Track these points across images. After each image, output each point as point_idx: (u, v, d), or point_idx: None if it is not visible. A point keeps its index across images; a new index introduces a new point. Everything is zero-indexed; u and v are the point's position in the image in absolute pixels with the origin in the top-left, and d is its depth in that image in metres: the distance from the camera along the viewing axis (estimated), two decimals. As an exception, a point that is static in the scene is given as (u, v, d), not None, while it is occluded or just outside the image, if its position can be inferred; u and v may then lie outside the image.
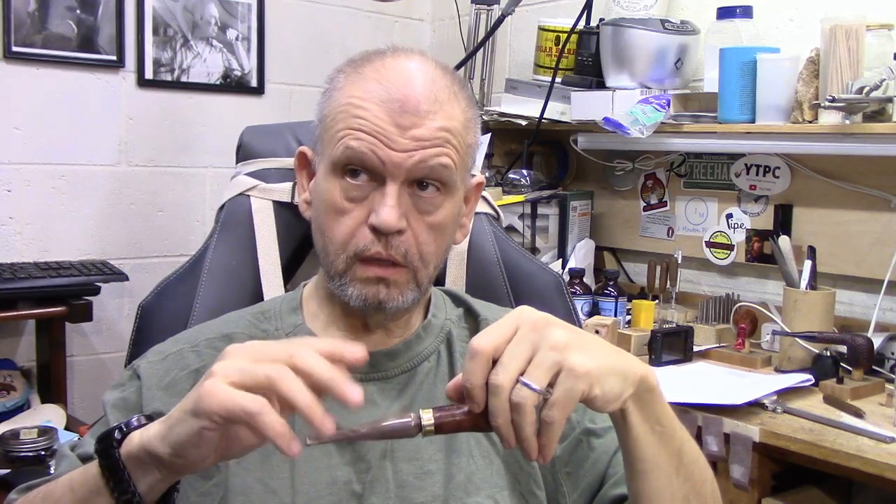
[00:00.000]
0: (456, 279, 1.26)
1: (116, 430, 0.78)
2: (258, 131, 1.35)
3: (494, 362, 0.73)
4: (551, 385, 0.72)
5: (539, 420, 0.73)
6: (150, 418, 0.78)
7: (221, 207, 1.29)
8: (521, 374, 0.72)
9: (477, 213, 1.29)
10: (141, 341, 1.17)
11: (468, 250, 1.27)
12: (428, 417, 0.75)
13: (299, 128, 1.33)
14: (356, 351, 0.73)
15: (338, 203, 0.93)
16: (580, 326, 1.30)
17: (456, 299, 1.09)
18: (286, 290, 1.22)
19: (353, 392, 0.69)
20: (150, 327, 1.20)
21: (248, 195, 1.28)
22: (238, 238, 1.26)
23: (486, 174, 2.45)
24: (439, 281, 1.25)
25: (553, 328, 0.74)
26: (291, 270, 1.29)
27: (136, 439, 0.76)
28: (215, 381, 0.70)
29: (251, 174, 1.29)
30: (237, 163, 1.33)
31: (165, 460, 0.73)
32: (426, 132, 0.91)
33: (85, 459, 0.93)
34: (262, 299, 1.20)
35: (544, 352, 0.73)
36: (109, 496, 0.76)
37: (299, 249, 1.29)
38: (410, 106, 0.91)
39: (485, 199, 1.31)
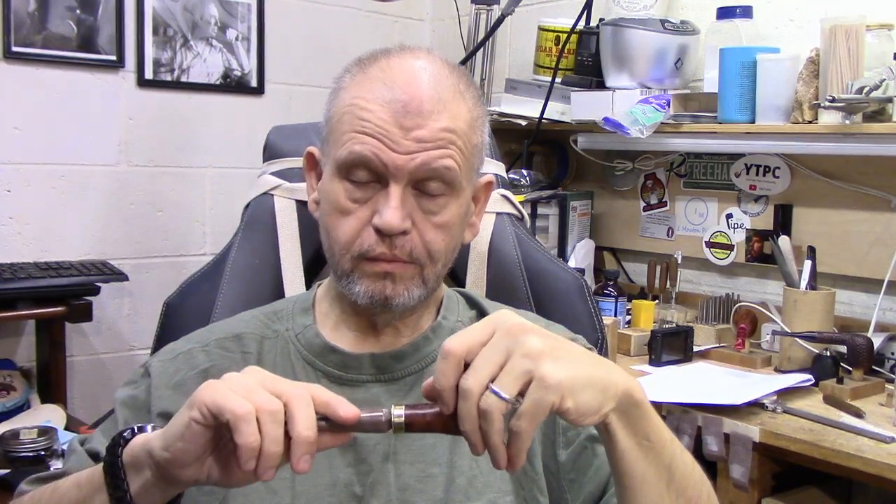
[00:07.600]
0: (476, 280, 1.25)
1: (128, 431, 0.78)
2: (284, 131, 1.36)
3: (468, 365, 0.71)
4: (522, 394, 0.69)
5: (507, 429, 0.70)
6: None
7: (247, 206, 1.30)
8: (493, 380, 0.69)
9: (499, 214, 1.28)
10: (164, 338, 1.18)
11: (489, 251, 1.25)
12: (399, 413, 0.73)
13: None
14: (349, 410, 0.72)
15: (342, 204, 0.93)
16: (601, 330, 1.25)
17: (470, 301, 1.08)
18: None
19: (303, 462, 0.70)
20: (172, 324, 1.21)
21: (272, 194, 1.28)
22: (261, 237, 1.26)
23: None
24: (459, 282, 1.25)
25: (529, 335, 0.71)
26: (314, 270, 1.28)
27: (140, 440, 0.77)
28: (218, 381, 0.72)
29: (275, 173, 1.30)
30: (263, 162, 1.34)
31: (156, 456, 0.73)
32: (429, 133, 0.91)
33: (93, 455, 0.95)
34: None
35: (516, 359, 0.69)
36: (106, 493, 0.77)
37: (322, 249, 1.29)
38: (414, 106, 0.90)
39: (507, 199, 1.30)
